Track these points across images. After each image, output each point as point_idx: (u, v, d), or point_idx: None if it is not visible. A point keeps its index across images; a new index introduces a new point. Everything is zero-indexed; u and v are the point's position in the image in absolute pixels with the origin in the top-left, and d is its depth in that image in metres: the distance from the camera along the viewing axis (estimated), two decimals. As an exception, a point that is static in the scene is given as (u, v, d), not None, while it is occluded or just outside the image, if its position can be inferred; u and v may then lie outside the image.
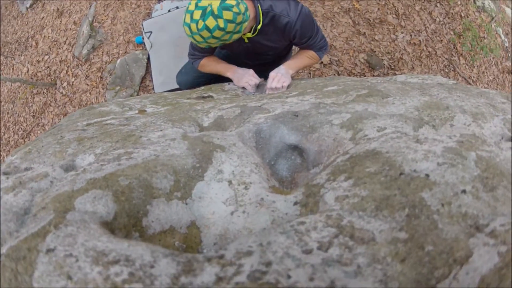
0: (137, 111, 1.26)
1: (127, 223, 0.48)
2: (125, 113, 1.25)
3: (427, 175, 0.50)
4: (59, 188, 0.51)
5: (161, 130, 0.75)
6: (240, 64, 2.85)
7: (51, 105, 5.72)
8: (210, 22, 1.94)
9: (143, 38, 4.91)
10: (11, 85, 6.57)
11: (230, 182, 0.55)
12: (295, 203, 0.51)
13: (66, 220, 0.43)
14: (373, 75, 4.74)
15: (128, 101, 1.59)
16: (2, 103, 6.58)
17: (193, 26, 1.95)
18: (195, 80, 3.23)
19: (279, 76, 2.46)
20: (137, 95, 4.85)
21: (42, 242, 0.40)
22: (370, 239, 0.39)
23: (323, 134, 0.76)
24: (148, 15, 5.23)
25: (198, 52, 2.56)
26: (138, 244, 0.39)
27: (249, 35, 2.36)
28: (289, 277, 0.32)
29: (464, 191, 0.46)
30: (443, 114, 0.81)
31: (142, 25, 4.80)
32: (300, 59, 2.68)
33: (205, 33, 1.99)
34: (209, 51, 2.58)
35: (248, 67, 2.79)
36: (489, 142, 0.65)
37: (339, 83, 1.28)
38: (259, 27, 2.28)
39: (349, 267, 0.34)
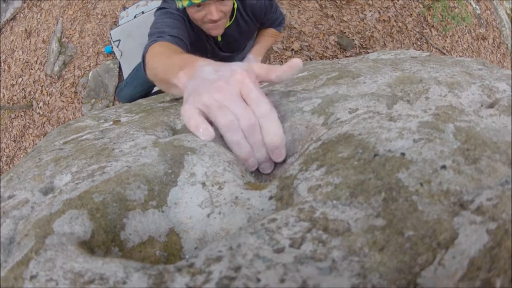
0: (111, 122, 1.23)
1: (105, 239, 0.47)
2: (101, 125, 1.22)
3: (403, 154, 0.49)
4: (39, 213, 0.50)
5: (132, 140, 0.73)
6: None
7: (30, 127, 5.71)
8: None
9: (112, 47, 4.88)
10: None
11: (203, 184, 0.54)
12: (270, 198, 0.50)
13: (46, 245, 0.41)
14: (346, 56, 4.76)
15: (103, 113, 1.54)
16: None
17: None
18: (133, 91, 3.16)
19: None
20: (113, 105, 4.82)
21: (26, 269, 0.39)
22: (345, 230, 0.37)
23: (295, 122, 0.74)
24: (115, 24, 5.20)
25: (165, 34, 1.74)
26: (112, 261, 0.38)
27: (227, 24, 2.13)
28: (258, 280, 0.31)
29: (444, 167, 0.45)
30: (417, 88, 0.80)
31: (110, 35, 4.74)
32: (264, 42, 2.62)
33: None
34: (181, 35, 1.80)
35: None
36: (467, 111, 0.64)
37: (309, 68, 1.24)
38: (235, 14, 2.13)
39: (323, 262, 0.33)
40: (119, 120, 1.23)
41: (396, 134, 0.52)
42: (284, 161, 0.71)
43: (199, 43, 2.18)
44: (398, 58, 1.44)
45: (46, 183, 0.67)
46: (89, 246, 0.45)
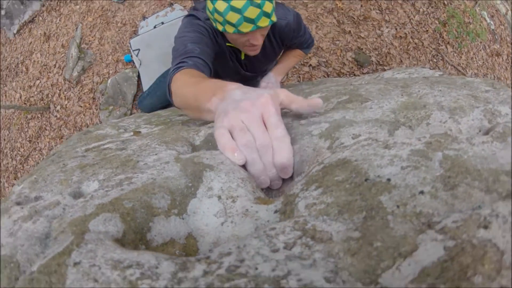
0: (132, 133, 1.29)
1: (134, 238, 0.55)
2: (121, 135, 1.28)
3: (389, 180, 0.55)
4: (73, 214, 0.58)
5: (155, 154, 0.80)
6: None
7: (46, 129, 5.78)
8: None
9: (131, 56, 4.96)
10: (5, 112, 6.62)
11: (219, 197, 0.62)
12: (275, 211, 0.58)
13: (85, 240, 0.49)
14: (362, 73, 4.81)
15: (122, 122, 1.61)
16: None
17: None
18: (155, 102, 3.19)
19: (270, 85, 2.43)
20: (131, 113, 4.95)
21: (68, 258, 0.47)
22: (328, 238, 0.45)
23: (303, 145, 0.80)
24: (135, 33, 5.30)
25: (189, 56, 1.71)
26: (145, 252, 0.46)
27: None
28: (256, 269, 0.40)
29: (422, 192, 0.51)
30: (420, 114, 0.84)
31: (130, 43, 4.81)
32: (287, 61, 2.58)
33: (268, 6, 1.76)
34: (203, 57, 1.76)
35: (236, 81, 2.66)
36: (460, 139, 0.68)
37: (323, 89, 1.30)
38: None
39: (306, 261, 0.41)
40: (140, 132, 1.31)
41: (387, 161, 0.60)
42: (292, 178, 0.79)
43: (223, 58, 2.18)
44: (411, 78, 1.49)
45: (74, 188, 0.75)
46: (121, 243, 0.54)
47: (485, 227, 0.43)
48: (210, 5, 1.78)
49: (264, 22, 1.79)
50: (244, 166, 0.78)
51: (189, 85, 1.29)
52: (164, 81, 3.19)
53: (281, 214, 0.58)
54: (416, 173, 0.56)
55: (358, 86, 1.22)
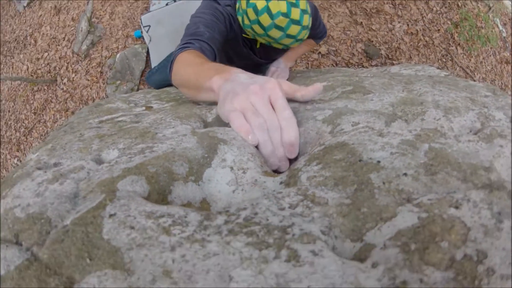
0: (144, 108, 1.36)
1: (157, 198, 0.63)
2: (132, 109, 1.35)
3: (379, 162, 0.64)
4: (100, 176, 0.66)
5: (173, 127, 0.88)
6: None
7: (52, 102, 5.83)
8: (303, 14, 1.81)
9: (141, 32, 5.02)
10: (11, 84, 6.67)
11: (231, 168, 0.70)
12: (281, 183, 0.66)
13: (117, 197, 0.57)
14: (371, 65, 4.85)
15: (132, 97, 1.67)
16: (3, 102, 6.70)
17: (304, 16, 1.81)
18: (164, 78, 3.26)
19: (279, 71, 2.48)
20: (138, 89, 5.02)
21: (103, 211, 0.54)
22: (324, 203, 0.54)
23: (308, 128, 0.88)
24: (146, 9, 5.33)
25: (198, 39, 1.72)
26: (172, 206, 0.56)
27: None
28: (267, 220, 0.49)
29: (405, 174, 0.59)
30: (416, 109, 0.91)
31: (141, 19, 4.88)
32: (298, 49, 2.63)
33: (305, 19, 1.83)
34: (211, 42, 1.77)
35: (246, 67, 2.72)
36: (448, 135, 0.76)
37: (329, 78, 1.37)
38: None
39: (307, 217, 0.50)
40: (151, 107, 1.39)
41: (379, 147, 0.69)
42: (296, 159, 0.88)
43: (236, 45, 2.22)
44: (416, 75, 1.56)
45: (94, 155, 0.84)
46: (148, 201, 0.64)
47: (456, 207, 0.52)
48: (252, 15, 1.84)
49: (303, 35, 1.89)
50: (256, 147, 0.86)
51: (192, 65, 1.36)
52: None
53: (285, 185, 0.67)
54: (402, 158, 0.65)
55: (363, 78, 1.29)
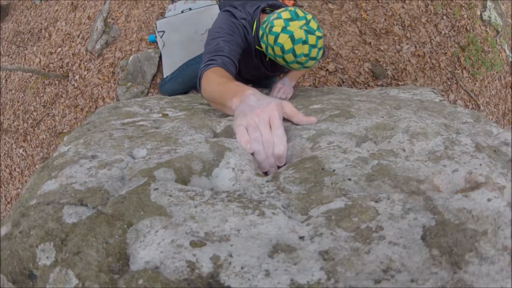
0: (160, 115, 1.60)
1: (181, 184, 0.89)
2: (150, 115, 1.59)
3: (334, 170, 0.88)
4: (139, 167, 0.88)
5: (190, 135, 1.12)
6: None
7: (62, 97, 5.99)
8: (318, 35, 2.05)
9: (155, 37, 5.19)
10: (22, 75, 6.80)
11: (233, 169, 0.94)
12: (267, 181, 0.90)
13: (156, 179, 0.82)
14: (376, 85, 5.04)
15: (147, 102, 1.91)
16: (13, 91, 6.82)
17: (300, 32, 1.99)
18: (176, 87, 3.56)
19: (285, 88, 2.76)
20: (148, 92, 5.20)
21: (149, 186, 0.79)
22: (289, 192, 0.80)
23: (295, 143, 1.13)
24: (162, 15, 5.51)
25: (219, 55, 2.00)
26: (194, 186, 0.88)
27: None
28: (251, 197, 0.77)
29: (349, 179, 0.82)
30: (386, 133, 1.12)
31: (156, 24, 5.08)
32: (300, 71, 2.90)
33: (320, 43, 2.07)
34: (234, 57, 2.08)
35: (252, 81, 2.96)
36: (400, 155, 0.97)
37: (324, 101, 1.60)
38: None
39: (275, 198, 0.74)
40: (167, 114, 1.69)
41: (339, 160, 0.97)
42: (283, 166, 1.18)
43: (248, 55, 2.45)
44: (408, 100, 1.81)
45: (127, 152, 1.12)
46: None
47: (376, 201, 0.79)
48: (278, 52, 2.10)
49: (320, 55, 2.15)
50: (252, 154, 1.17)
51: (216, 84, 1.69)
52: (186, 69, 3.55)
53: (268, 181, 0.97)
54: (352, 169, 0.93)
55: (354, 103, 1.55)
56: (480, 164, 0.92)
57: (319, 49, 2.10)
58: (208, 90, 1.75)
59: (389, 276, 0.61)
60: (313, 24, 2.04)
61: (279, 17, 2.04)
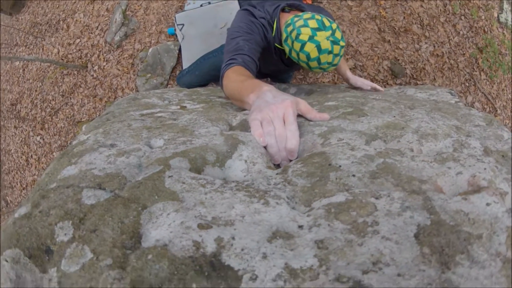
0: (179, 107, 1.65)
1: (195, 173, 0.93)
2: (168, 107, 1.63)
3: (340, 166, 0.91)
4: (156, 156, 0.93)
5: (206, 128, 1.16)
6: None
7: (81, 87, 6.06)
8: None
9: (175, 29, 5.22)
10: (40, 65, 6.88)
11: (245, 161, 0.99)
12: (277, 173, 0.94)
13: (171, 167, 0.87)
14: (395, 83, 5.03)
15: (166, 94, 1.97)
16: (30, 81, 6.91)
17: (327, 43, 2.06)
18: (193, 80, 3.61)
19: (360, 80, 2.75)
20: (167, 83, 5.27)
21: (163, 174, 0.85)
22: (295, 184, 0.84)
23: (307, 139, 1.16)
24: (181, 8, 5.54)
25: (240, 53, 2.07)
26: (206, 175, 0.93)
27: None
28: (258, 187, 0.83)
29: (354, 175, 0.85)
30: (396, 133, 1.13)
31: (175, 17, 5.11)
32: (343, 60, 2.91)
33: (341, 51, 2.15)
34: (254, 55, 2.14)
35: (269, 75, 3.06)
36: (406, 154, 0.99)
37: (339, 98, 1.63)
38: None
39: (281, 190, 0.80)
40: (185, 106, 1.75)
41: (346, 157, 1.01)
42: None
43: (268, 53, 2.51)
44: (424, 99, 1.86)
45: (145, 141, 1.18)
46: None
47: (376, 198, 0.83)
48: (303, 58, 2.17)
49: (340, 60, 2.21)
50: (265, 147, 1.22)
51: (235, 82, 1.78)
52: (204, 62, 3.60)
53: (278, 174, 1.02)
54: (358, 166, 0.97)
55: (368, 101, 1.58)
56: (485, 168, 0.94)
57: (341, 56, 2.17)
58: (229, 87, 1.83)
59: (377, 268, 0.65)
60: (338, 34, 2.10)
61: (306, 25, 2.08)
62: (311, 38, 2.07)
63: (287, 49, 2.23)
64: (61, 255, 0.73)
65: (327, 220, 0.78)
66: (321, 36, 2.06)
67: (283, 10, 2.46)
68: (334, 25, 2.11)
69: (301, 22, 2.10)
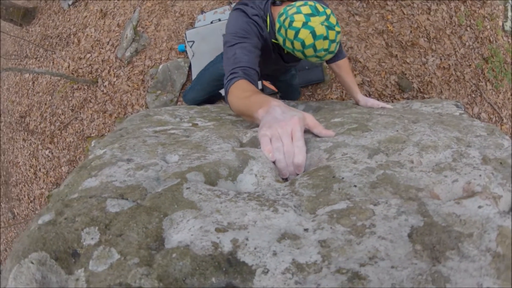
0: (191, 124, 1.71)
1: (209, 188, 1.01)
2: (180, 124, 1.70)
3: (343, 178, 0.98)
4: (173, 170, 1.02)
5: (218, 144, 1.23)
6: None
7: (91, 102, 6.19)
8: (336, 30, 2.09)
9: (185, 46, 5.36)
10: (50, 78, 7.05)
11: (256, 175, 1.06)
12: (285, 186, 1.01)
13: (188, 180, 0.95)
14: (403, 97, 5.11)
15: (177, 112, 2.02)
16: (40, 94, 7.08)
17: (321, 28, 2.03)
18: (196, 95, 3.58)
19: (370, 102, 2.79)
20: (177, 101, 5.38)
21: (181, 186, 0.92)
22: (301, 195, 0.92)
23: (313, 154, 1.23)
24: (191, 25, 5.67)
25: (239, 66, 2.02)
26: (221, 187, 1.02)
27: None
28: (268, 197, 0.91)
29: (355, 186, 0.92)
30: (397, 146, 1.19)
31: (185, 34, 5.23)
32: (351, 79, 2.97)
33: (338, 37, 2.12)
34: (253, 65, 2.09)
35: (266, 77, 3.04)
36: (405, 166, 1.06)
37: (345, 115, 1.70)
38: None
39: (288, 199, 0.88)
40: (197, 124, 1.84)
41: (348, 170, 1.10)
42: None
43: (266, 52, 2.45)
44: (428, 113, 1.93)
45: (161, 157, 1.26)
46: (203, 188, 1.08)
47: (374, 205, 0.92)
48: (298, 46, 2.15)
49: (337, 49, 2.21)
50: (274, 162, 1.29)
51: (242, 99, 1.79)
52: (203, 74, 3.58)
53: (286, 186, 1.10)
54: (359, 177, 1.06)
55: (373, 117, 1.65)
56: (480, 175, 1.01)
57: (337, 43, 2.15)
58: (236, 105, 1.84)
59: (373, 262, 0.74)
60: (333, 19, 2.08)
61: (299, 12, 2.07)
62: (305, 24, 2.05)
63: (281, 40, 2.21)
64: (88, 257, 0.81)
65: (330, 224, 0.88)
66: (315, 22, 2.04)
67: (273, 3, 2.42)
68: (328, 11, 2.09)
69: (293, 10, 2.09)
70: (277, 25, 2.17)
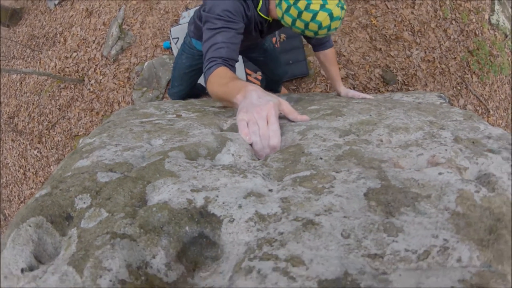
0: (175, 115, 1.79)
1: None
2: (165, 116, 1.78)
3: (310, 153, 1.07)
4: (156, 150, 1.13)
5: (199, 130, 1.30)
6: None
7: (78, 100, 6.27)
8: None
9: (170, 43, 5.41)
10: (37, 78, 7.10)
11: (233, 155, 1.15)
12: (261, 164, 1.10)
13: (169, 156, 1.05)
14: (387, 90, 5.20)
15: (162, 105, 2.11)
16: (28, 94, 7.13)
17: (337, 10, 2.05)
18: (178, 90, 3.63)
19: (350, 93, 2.88)
20: (163, 97, 5.47)
21: (163, 160, 1.02)
22: (271, 166, 1.02)
23: (288, 137, 1.31)
24: (176, 22, 5.74)
25: (218, 56, 2.05)
26: (199, 162, 1.14)
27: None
28: (240, 168, 1.00)
29: (321, 158, 1.01)
30: (368, 128, 1.26)
31: (170, 31, 5.23)
32: (336, 71, 3.04)
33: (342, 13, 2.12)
34: (233, 55, 2.11)
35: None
36: (372, 143, 1.15)
37: (322, 103, 1.80)
38: None
39: (259, 170, 0.98)
40: (181, 115, 1.94)
41: (317, 146, 1.20)
42: None
43: (247, 32, 2.40)
44: (406, 102, 2.02)
45: (146, 141, 1.36)
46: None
47: (336, 172, 1.03)
48: (325, 21, 2.11)
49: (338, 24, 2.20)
50: (250, 144, 1.40)
51: (220, 86, 1.87)
52: (175, 68, 3.59)
53: (260, 164, 1.20)
54: (326, 152, 1.16)
55: (349, 105, 1.74)
56: (446, 150, 1.07)
57: (341, 19, 2.16)
58: (215, 92, 1.91)
59: (327, 213, 0.86)
60: None
61: None
62: (322, 7, 2.05)
63: (289, 20, 2.19)
64: (81, 218, 0.92)
65: (293, 186, 0.99)
66: (332, 4, 2.05)
67: None
68: None
69: None
70: (284, 5, 2.16)
